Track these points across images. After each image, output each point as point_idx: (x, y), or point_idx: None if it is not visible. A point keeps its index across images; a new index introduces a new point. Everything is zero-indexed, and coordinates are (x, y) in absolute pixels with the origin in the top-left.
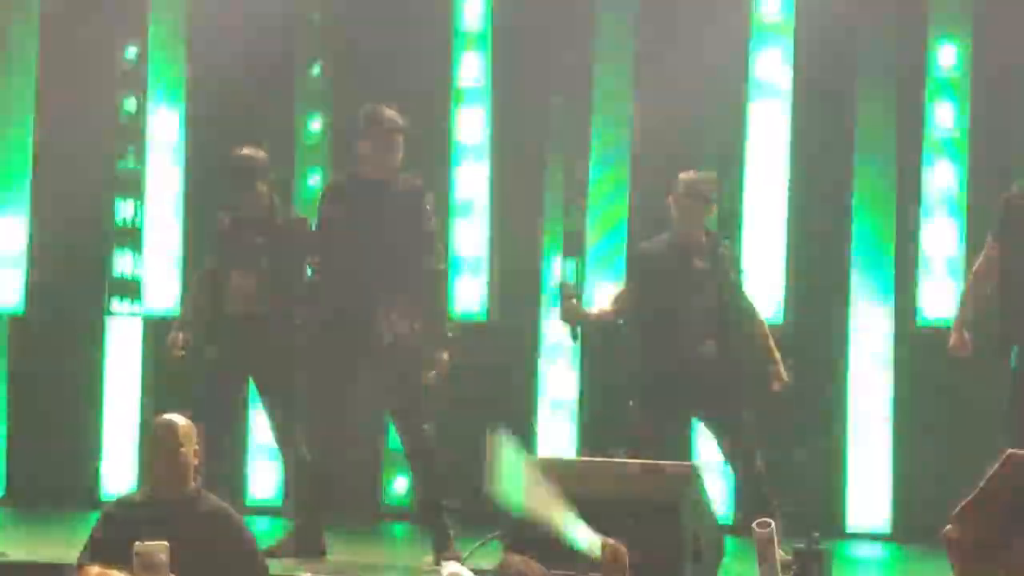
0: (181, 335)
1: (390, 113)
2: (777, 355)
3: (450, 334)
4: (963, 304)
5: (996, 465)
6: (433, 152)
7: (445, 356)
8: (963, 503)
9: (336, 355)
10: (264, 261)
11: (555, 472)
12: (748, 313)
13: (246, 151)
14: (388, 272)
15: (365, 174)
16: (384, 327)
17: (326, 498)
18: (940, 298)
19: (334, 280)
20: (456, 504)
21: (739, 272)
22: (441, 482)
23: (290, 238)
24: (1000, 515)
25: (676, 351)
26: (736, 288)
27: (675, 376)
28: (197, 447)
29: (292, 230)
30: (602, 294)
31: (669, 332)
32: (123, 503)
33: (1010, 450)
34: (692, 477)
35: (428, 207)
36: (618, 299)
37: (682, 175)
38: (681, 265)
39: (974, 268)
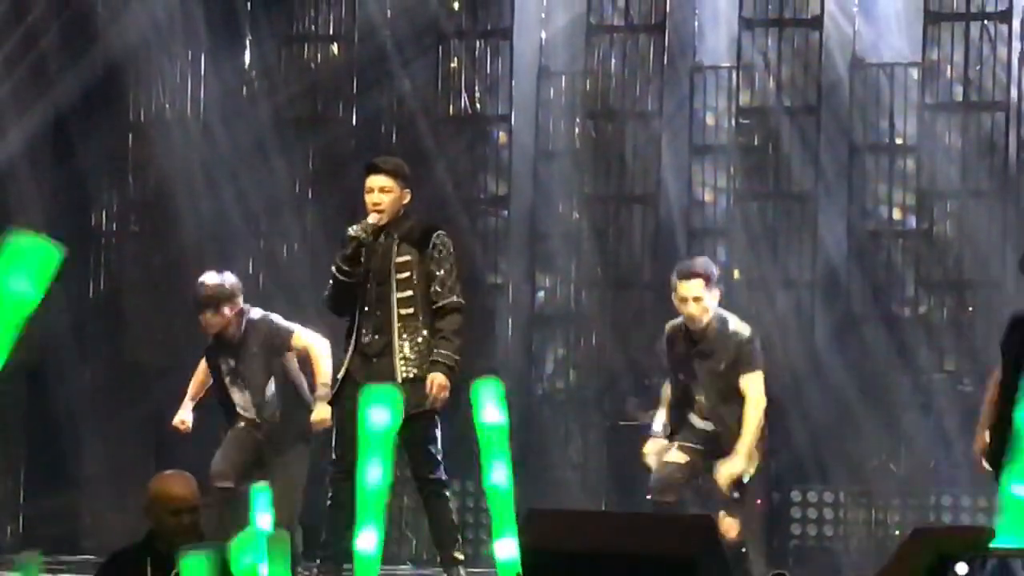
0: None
1: None
2: (743, 449)
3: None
4: (979, 430)
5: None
6: None
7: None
8: None
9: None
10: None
11: (567, 524)
12: (743, 398)
13: (210, 279)
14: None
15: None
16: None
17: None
18: None
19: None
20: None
21: (747, 361)
22: (453, 529)
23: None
24: None
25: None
26: (734, 375)
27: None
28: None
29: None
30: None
31: (685, 410)
32: (128, 549)
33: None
34: (710, 530)
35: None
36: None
37: (677, 267)
38: (686, 350)
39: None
